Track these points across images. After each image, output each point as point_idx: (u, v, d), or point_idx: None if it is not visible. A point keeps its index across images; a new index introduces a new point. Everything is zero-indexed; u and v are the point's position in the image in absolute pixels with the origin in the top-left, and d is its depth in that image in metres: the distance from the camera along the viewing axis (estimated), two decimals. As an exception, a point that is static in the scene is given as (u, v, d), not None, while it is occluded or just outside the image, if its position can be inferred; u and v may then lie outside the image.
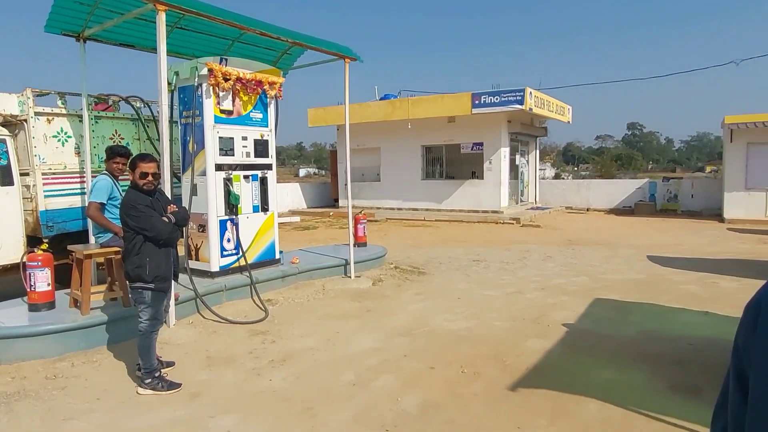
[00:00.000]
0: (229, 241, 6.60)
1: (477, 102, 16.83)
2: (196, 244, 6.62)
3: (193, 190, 6.31)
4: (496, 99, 16.54)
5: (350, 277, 7.71)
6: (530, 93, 16.26)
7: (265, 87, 6.85)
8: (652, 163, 68.09)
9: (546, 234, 13.81)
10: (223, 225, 6.53)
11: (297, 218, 18.54)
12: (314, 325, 5.70)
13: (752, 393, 0.78)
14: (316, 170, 74.07)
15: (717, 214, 17.13)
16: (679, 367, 4.40)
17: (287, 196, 21.08)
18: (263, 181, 7.00)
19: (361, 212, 10.00)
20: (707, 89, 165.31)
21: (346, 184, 8.51)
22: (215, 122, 6.37)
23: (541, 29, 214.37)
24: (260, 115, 6.94)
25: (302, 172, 70.08)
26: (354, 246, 8.14)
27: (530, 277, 8.11)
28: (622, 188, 20.85)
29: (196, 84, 6.23)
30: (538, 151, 22.24)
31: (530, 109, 16.37)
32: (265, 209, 7.04)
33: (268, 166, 7.07)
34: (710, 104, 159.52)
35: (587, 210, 20.50)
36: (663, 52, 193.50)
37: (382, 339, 5.24)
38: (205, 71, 6.17)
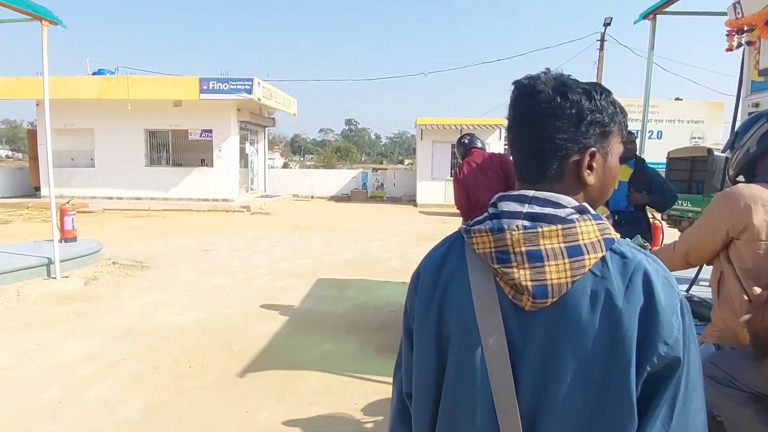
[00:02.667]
0: None
1: (205, 87, 16.01)
2: None
3: None
4: (225, 86, 16.03)
5: (55, 278, 6.51)
6: (258, 83, 16.25)
7: None
8: (365, 156, 75.80)
9: (275, 221, 14.12)
10: None
11: (-20, 209, 14.75)
12: (5, 340, 4.64)
13: (415, 342, 0.95)
14: (10, 152, 60.00)
15: (412, 200, 20.17)
16: (383, 332, 5.04)
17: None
18: None
19: (69, 202, 8.53)
20: (406, 93, 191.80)
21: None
22: None
23: (268, 24, 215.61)
24: None
25: (-11, 153, 55.94)
26: (60, 241, 6.90)
27: (260, 263, 8.19)
28: (341, 178, 22.75)
29: None
30: (266, 141, 22.48)
31: (259, 99, 16.38)
32: (-75, 201, 5.38)
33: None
34: (408, 106, 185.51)
35: (312, 197, 21.72)
36: (375, 57, 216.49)
37: (98, 344, 4.60)
38: None
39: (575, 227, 0.79)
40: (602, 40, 19.03)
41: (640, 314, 0.77)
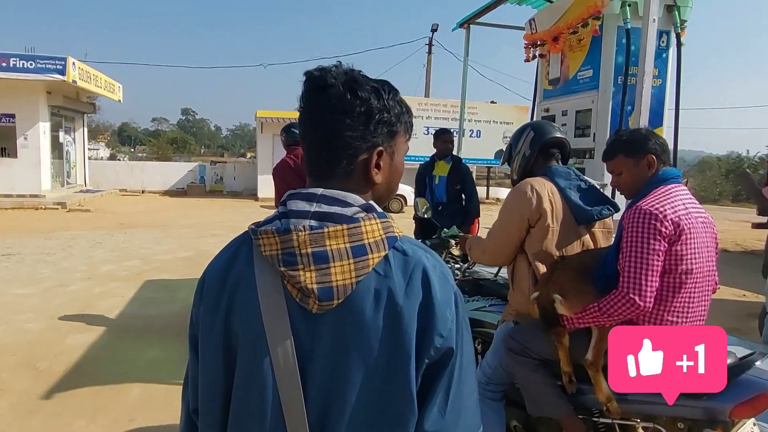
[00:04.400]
0: None
1: (4, 65, 13.49)
2: None
3: None
4: (31, 65, 13.69)
5: None
6: (73, 64, 14.17)
7: None
8: (204, 148, 71.03)
9: (97, 218, 12.55)
10: None
11: None
12: None
13: (200, 353, 0.87)
14: None
15: (253, 194, 19.48)
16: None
17: None
18: None
19: None
20: (247, 84, 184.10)
21: None
22: None
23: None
24: None
25: None
26: None
27: (76, 267, 7.17)
28: (176, 171, 21.08)
29: None
30: (86, 129, 19.82)
31: (74, 81, 14.29)
32: None
33: None
34: (249, 98, 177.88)
35: (143, 192, 19.76)
36: (213, 45, 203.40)
37: None
38: None
39: (360, 226, 0.78)
40: (430, 45, 20.42)
41: (419, 310, 0.78)
